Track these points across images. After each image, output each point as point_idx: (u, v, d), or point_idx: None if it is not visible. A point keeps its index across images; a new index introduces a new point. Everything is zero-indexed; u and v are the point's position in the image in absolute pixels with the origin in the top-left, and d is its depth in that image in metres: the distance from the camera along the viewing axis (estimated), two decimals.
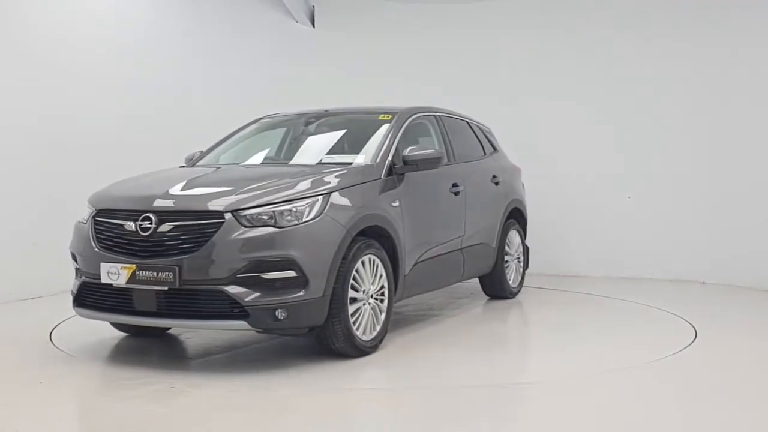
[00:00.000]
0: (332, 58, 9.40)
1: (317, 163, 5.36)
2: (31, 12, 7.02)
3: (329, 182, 4.78)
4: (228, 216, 4.37)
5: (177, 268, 4.30)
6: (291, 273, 4.34)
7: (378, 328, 4.87)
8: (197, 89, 8.48)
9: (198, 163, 5.91)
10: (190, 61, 8.50)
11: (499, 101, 8.51)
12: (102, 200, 4.88)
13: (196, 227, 4.39)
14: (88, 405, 3.96)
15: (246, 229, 4.35)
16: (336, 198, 4.67)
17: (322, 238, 4.47)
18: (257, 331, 4.64)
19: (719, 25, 7.84)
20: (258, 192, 4.55)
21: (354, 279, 4.66)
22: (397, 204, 5.16)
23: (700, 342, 5.20)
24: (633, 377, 4.43)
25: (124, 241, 4.53)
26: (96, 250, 4.62)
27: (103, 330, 5.58)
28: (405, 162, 5.32)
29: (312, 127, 6.12)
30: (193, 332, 5.51)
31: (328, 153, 5.59)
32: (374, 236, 4.92)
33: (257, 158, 5.95)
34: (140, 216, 4.48)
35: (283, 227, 4.38)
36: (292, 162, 5.60)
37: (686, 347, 5.05)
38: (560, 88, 8.56)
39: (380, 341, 4.92)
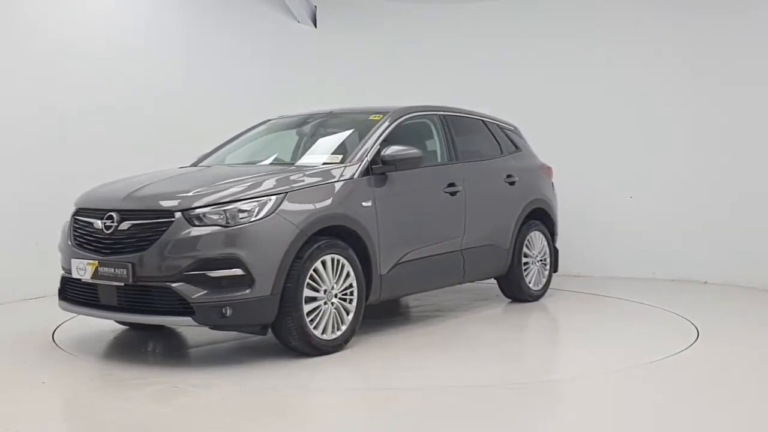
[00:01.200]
0: (334, 59, 9.39)
1: (323, 164, 5.32)
2: (32, 12, 7.03)
3: (289, 182, 4.81)
4: (178, 215, 4.51)
5: (131, 264, 4.49)
6: (237, 271, 4.42)
7: (343, 327, 4.87)
8: (198, 90, 8.48)
9: (200, 164, 5.97)
10: (191, 61, 8.50)
11: (502, 100, 8.49)
12: (82, 200, 5.16)
13: (150, 226, 4.56)
14: (90, 405, 3.96)
15: (193, 227, 4.47)
16: (292, 198, 4.70)
17: (270, 238, 4.52)
18: (211, 328, 4.69)
19: (725, 24, 7.83)
20: (210, 191, 4.65)
21: (313, 279, 4.68)
22: (369, 204, 5.12)
23: (702, 342, 5.19)
24: (635, 377, 4.42)
25: (92, 238, 4.78)
26: (70, 246, 4.91)
27: (105, 330, 5.60)
28: (383, 162, 5.29)
29: (313, 128, 6.12)
30: (192, 330, 5.51)
31: (334, 153, 5.57)
32: (342, 236, 4.93)
33: (256, 158, 5.97)
34: (105, 215, 4.72)
35: (229, 226, 4.47)
36: (293, 163, 5.59)
37: (688, 347, 5.04)
38: (563, 87, 8.55)
39: (346, 341, 4.90)
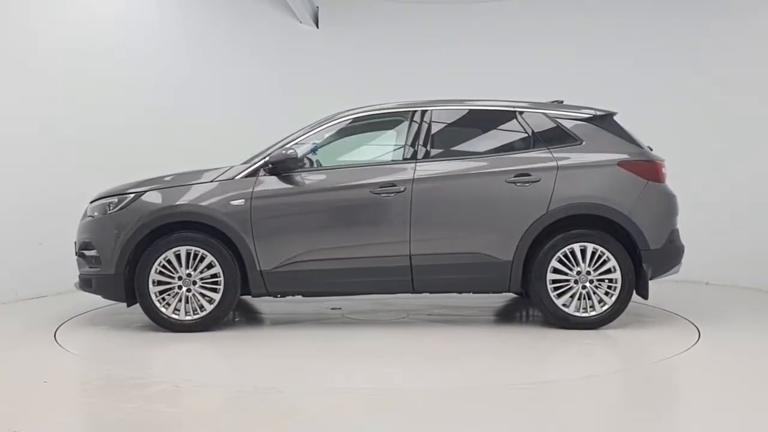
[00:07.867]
0: (336, 59, 9.41)
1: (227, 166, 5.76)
2: (34, 13, 7.04)
3: (155, 182, 5.59)
4: (87, 206, 5.74)
5: (75, 243, 5.76)
6: (93, 252, 5.54)
7: (202, 313, 5.47)
8: (202, 91, 8.49)
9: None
10: (195, 63, 8.51)
11: (506, 97, 8.49)
12: None
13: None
14: (92, 404, 3.97)
15: (86, 217, 5.70)
16: (149, 196, 5.52)
17: (115, 228, 5.48)
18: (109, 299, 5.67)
19: (732, 24, 7.84)
20: (110, 189, 5.69)
21: (166, 266, 5.43)
22: (241, 202, 5.48)
23: (704, 343, 5.20)
24: (636, 378, 4.42)
25: None
26: None
27: (108, 329, 5.61)
28: (271, 164, 5.56)
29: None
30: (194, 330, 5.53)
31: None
32: (213, 231, 5.44)
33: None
34: None
35: (93, 217, 5.60)
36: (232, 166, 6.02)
37: (689, 348, 5.04)
38: (565, 86, 8.54)
39: (205, 325, 5.45)
